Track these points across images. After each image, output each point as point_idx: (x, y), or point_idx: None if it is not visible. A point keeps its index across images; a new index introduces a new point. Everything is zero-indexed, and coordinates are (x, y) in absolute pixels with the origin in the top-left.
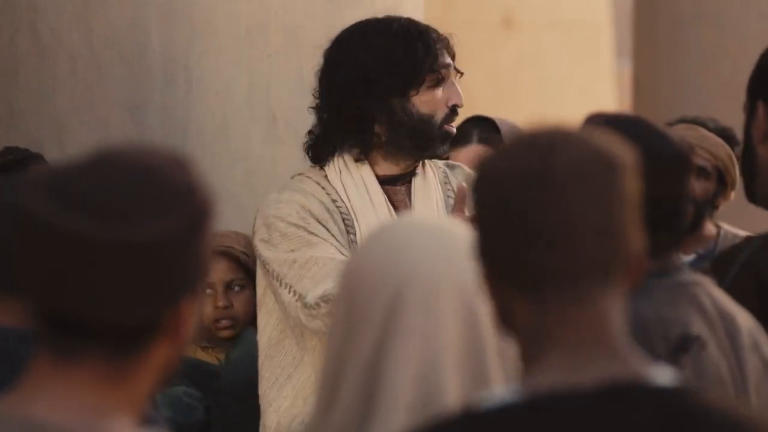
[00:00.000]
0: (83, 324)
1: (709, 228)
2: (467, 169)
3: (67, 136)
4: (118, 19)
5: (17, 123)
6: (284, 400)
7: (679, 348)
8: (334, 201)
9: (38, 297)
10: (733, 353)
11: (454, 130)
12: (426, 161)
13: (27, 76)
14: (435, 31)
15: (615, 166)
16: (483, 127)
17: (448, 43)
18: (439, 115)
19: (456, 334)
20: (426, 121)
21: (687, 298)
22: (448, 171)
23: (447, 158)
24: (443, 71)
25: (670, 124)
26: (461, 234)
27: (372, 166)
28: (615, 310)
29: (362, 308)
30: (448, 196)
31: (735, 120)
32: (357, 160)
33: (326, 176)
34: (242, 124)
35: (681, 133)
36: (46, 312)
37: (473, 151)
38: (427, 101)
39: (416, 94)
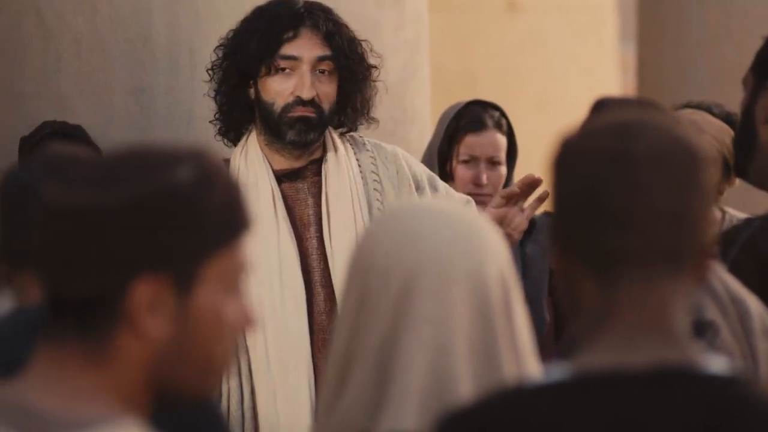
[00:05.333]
0: (54, 301)
1: (714, 213)
2: (400, 152)
3: (71, 119)
4: (123, 2)
5: (21, 106)
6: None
7: (693, 333)
8: None
9: (41, 278)
10: (745, 338)
11: (303, 114)
12: (344, 147)
13: (31, 58)
14: (296, 19)
15: (695, 156)
16: (492, 112)
17: (318, 32)
18: (279, 103)
19: (468, 320)
20: (266, 108)
21: None
22: (376, 155)
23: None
24: (281, 62)
25: (675, 109)
26: (472, 219)
27: (268, 158)
28: (679, 298)
29: (373, 295)
30: (374, 189)
31: (738, 103)
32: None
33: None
34: None
35: (686, 117)
36: (45, 293)
37: (492, 137)
38: (266, 89)
39: (265, 82)
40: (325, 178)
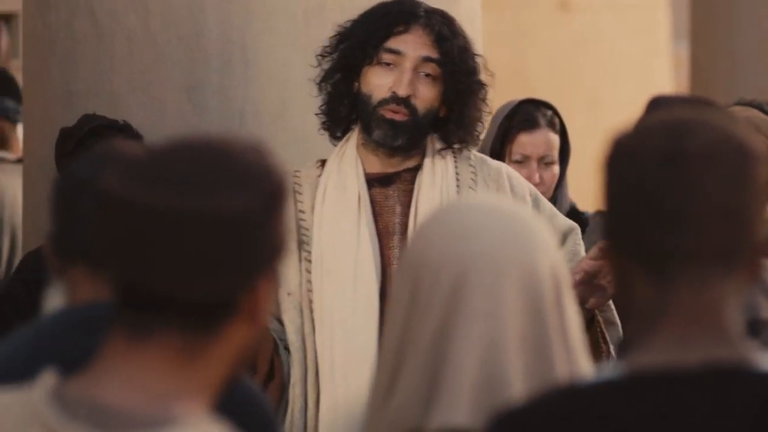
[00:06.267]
0: (158, 300)
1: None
2: (505, 169)
3: (124, 117)
4: (176, 1)
5: (74, 104)
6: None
7: (749, 333)
8: (300, 212)
9: (116, 273)
10: None
11: (393, 117)
12: (445, 160)
13: (84, 57)
14: (411, 16)
15: (748, 153)
16: (544, 111)
17: (430, 33)
18: (376, 96)
19: (520, 316)
20: (364, 100)
21: None
22: (478, 170)
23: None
24: (384, 55)
25: (727, 107)
26: (526, 216)
27: (363, 160)
28: (732, 297)
29: (426, 290)
30: None
31: None
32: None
33: (320, 175)
34: (300, 105)
35: (741, 115)
36: (122, 288)
37: (544, 136)
38: (367, 81)
39: (366, 73)
40: (418, 189)
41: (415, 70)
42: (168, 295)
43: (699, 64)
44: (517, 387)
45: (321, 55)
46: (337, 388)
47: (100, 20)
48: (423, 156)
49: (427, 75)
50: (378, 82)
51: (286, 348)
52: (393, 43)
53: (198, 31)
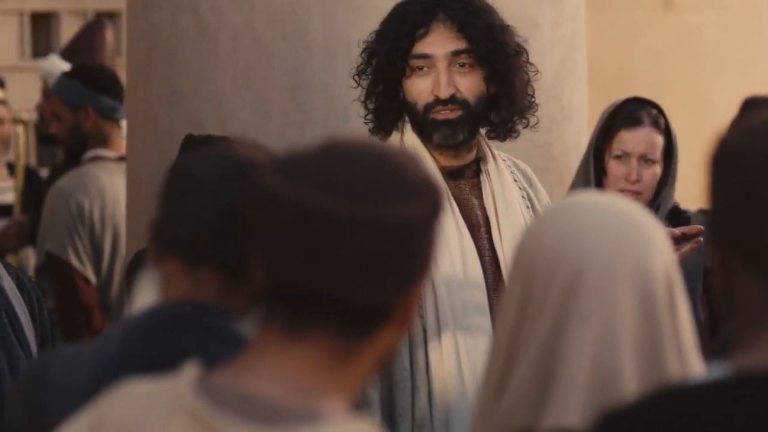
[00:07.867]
0: (319, 302)
1: None
2: (530, 172)
3: (228, 116)
4: None
5: (178, 103)
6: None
7: None
8: None
9: (276, 272)
10: None
11: (448, 117)
12: (494, 155)
13: (188, 55)
14: (428, 15)
15: None
16: (649, 109)
17: (453, 25)
18: (420, 103)
19: (633, 316)
20: (411, 109)
21: None
22: (513, 166)
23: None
24: (415, 61)
25: None
26: (639, 214)
27: (434, 156)
28: None
29: (538, 290)
30: (522, 196)
31: None
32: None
33: None
34: None
35: None
36: (281, 288)
37: (646, 134)
38: (408, 89)
39: (405, 82)
40: (488, 178)
41: (450, 66)
42: (331, 299)
43: None
44: (630, 388)
45: (357, 75)
46: (465, 378)
47: (204, 18)
48: (478, 147)
49: (463, 65)
50: (418, 89)
51: None
52: (419, 48)
53: (302, 29)
